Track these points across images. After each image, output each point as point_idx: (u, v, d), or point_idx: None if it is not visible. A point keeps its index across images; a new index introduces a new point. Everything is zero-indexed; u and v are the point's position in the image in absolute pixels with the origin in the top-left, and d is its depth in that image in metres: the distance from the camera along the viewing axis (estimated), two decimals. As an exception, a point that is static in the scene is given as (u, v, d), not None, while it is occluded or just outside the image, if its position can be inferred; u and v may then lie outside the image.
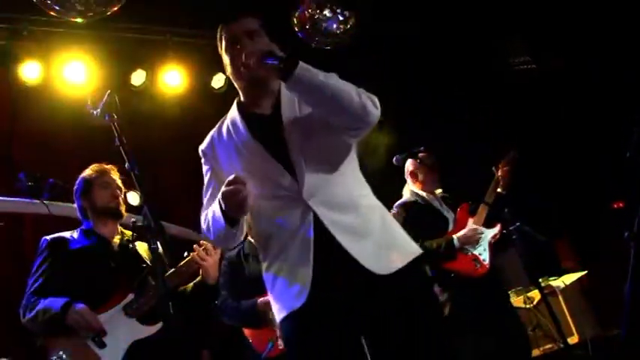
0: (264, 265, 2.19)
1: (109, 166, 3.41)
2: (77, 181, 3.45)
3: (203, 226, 2.23)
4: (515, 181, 4.36)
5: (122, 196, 3.40)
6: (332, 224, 2.03)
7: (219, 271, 3.47)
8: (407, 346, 1.99)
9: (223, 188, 2.01)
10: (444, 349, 2.04)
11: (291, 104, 2.20)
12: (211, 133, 2.35)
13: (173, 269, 3.26)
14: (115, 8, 4.02)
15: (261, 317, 3.79)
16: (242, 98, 2.31)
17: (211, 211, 2.16)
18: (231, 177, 2.01)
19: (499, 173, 4.35)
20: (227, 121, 2.30)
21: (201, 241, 3.30)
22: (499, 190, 4.33)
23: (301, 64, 1.97)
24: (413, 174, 4.39)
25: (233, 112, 2.30)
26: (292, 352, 2.13)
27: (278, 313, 2.13)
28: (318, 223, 2.04)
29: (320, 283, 2.00)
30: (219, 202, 2.05)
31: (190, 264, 3.27)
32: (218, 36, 2.32)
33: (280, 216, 2.09)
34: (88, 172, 3.44)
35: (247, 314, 3.80)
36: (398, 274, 2.03)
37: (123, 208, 3.38)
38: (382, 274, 2.01)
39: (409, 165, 4.41)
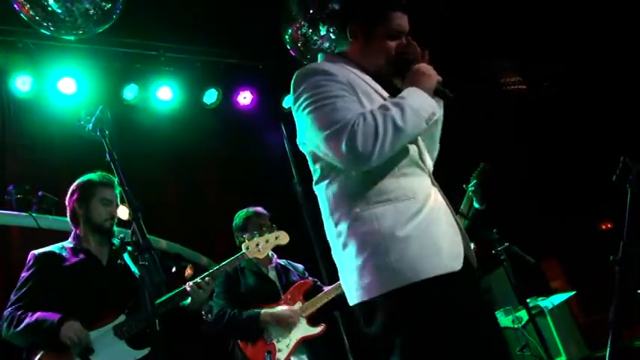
0: (397, 217, 2.01)
1: (113, 179, 3.28)
2: (78, 184, 3.33)
3: (363, 131, 1.95)
4: (489, 194, 4.39)
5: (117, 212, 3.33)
6: (451, 209, 2.17)
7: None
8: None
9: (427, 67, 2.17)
10: None
11: None
12: (324, 64, 2.23)
13: (167, 296, 3.20)
14: (106, 26, 4.05)
15: (260, 329, 3.80)
16: (360, 62, 2.28)
17: (396, 106, 2.03)
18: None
19: (470, 188, 4.38)
20: (355, 71, 2.24)
21: (196, 280, 3.27)
22: (476, 206, 4.35)
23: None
24: None
25: (356, 67, 2.27)
26: (452, 308, 1.93)
27: (426, 270, 1.94)
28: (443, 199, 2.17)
29: (467, 252, 2.07)
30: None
31: (183, 294, 3.23)
32: (378, 10, 2.27)
33: (420, 181, 2.11)
34: (93, 177, 3.31)
35: (248, 324, 3.80)
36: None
37: (114, 227, 3.31)
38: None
39: None
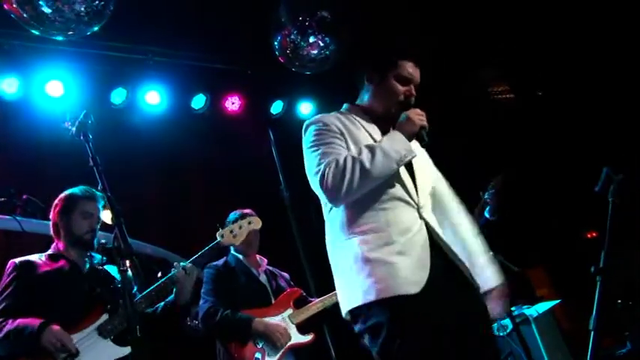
0: (368, 247, 2.37)
1: (96, 193, 3.33)
2: (61, 197, 3.39)
3: (346, 169, 2.34)
4: (503, 207, 4.41)
5: (99, 226, 3.36)
6: (441, 234, 2.46)
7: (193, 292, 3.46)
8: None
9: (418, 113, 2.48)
10: None
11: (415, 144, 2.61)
12: (333, 116, 2.61)
13: (147, 291, 3.21)
14: (95, 28, 4.03)
15: (249, 334, 3.81)
16: (372, 108, 2.66)
17: (369, 150, 2.37)
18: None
19: (486, 197, 4.39)
20: (360, 120, 2.62)
21: (177, 264, 3.27)
22: (487, 215, 4.37)
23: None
24: None
25: (363, 117, 2.64)
26: (402, 327, 2.26)
27: (383, 292, 2.28)
28: (428, 229, 2.44)
29: (434, 277, 2.32)
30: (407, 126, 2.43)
31: (166, 284, 3.23)
32: (397, 54, 2.63)
33: (401, 215, 2.42)
34: (75, 192, 3.38)
35: (239, 327, 3.82)
36: (481, 293, 2.50)
37: (95, 240, 3.34)
38: (477, 287, 2.46)
39: None
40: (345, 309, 2.44)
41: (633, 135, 6.21)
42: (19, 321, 2.97)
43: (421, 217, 2.45)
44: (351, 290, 2.38)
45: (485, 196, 4.42)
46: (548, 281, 6.93)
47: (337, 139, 2.49)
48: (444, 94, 6.74)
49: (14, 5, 3.91)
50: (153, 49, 5.79)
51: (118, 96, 5.70)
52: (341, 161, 2.36)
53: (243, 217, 4.16)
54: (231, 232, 3.60)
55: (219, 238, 3.58)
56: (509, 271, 4.17)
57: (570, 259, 6.60)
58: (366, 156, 2.34)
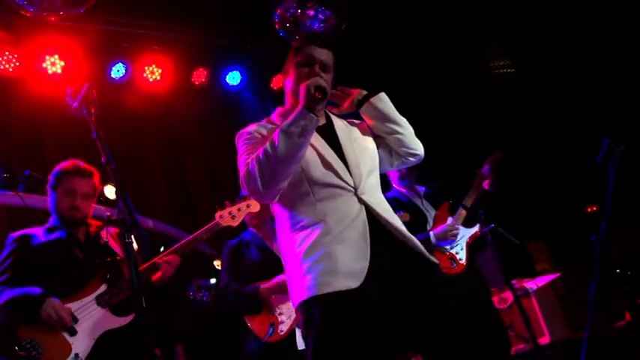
0: (309, 241, 2.32)
1: (87, 169, 3.38)
2: (52, 172, 3.43)
3: (254, 164, 2.31)
4: (502, 180, 4.43)
5: (88, 202, 3.39)
6: (385, 218, 2.36)
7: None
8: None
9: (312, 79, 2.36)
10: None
11: (343, 126, 2.60)
12: (258, 124, 2.56)
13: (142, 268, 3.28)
14: (82, 10, 3.98)
15: (261, 303, 3.87)
16: (291, 105, 2.56)
17: (271, 139, 2.31)
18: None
19: (483, 171, 4.43)
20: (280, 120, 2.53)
21: (166, 258, 3.34)
22: (486, 187, 4.41)
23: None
24: (399, 172, 4.50)
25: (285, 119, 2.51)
26: (341, 324, 2.20)
27: (323, 287, 2.23)
28: (370, 215, 2.34)
29: (375, 268, 2.24)
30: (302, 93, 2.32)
31: (150, 268, 3.31)
32: (297, 47, 2.56)
33: (338, 202, 2.35)
34: (64, 167, 3.41)
35: (248, 298, 3.88)
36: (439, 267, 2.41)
37: (83, 216, 3.38)
38: (435, 262, 2.36)
39: None
40: (293, 305, 2.40)
41: (633, 108, 6.21)
42: (19, 289, 3.05)
43: (360, 201, 2.37)
44: (296, 286, 2.33)
45: (484, 170, 4.46)
46: (548, 255, 6.96)
47: (260, 143, 2.41)
48: (445, 68, 6.72)
49: None
50: (152, 23, 5.76)
51: (117, 71, 5.68)
52: (248, 162, 2.33)
53: (242, 199, 4.20)
54: (230, 213, 3.66)
55: (218, 219, 3.61)
56: (511, 244, 4.20)
57: (570, 232, 6.63)
58: (270, 141, 2.29)
